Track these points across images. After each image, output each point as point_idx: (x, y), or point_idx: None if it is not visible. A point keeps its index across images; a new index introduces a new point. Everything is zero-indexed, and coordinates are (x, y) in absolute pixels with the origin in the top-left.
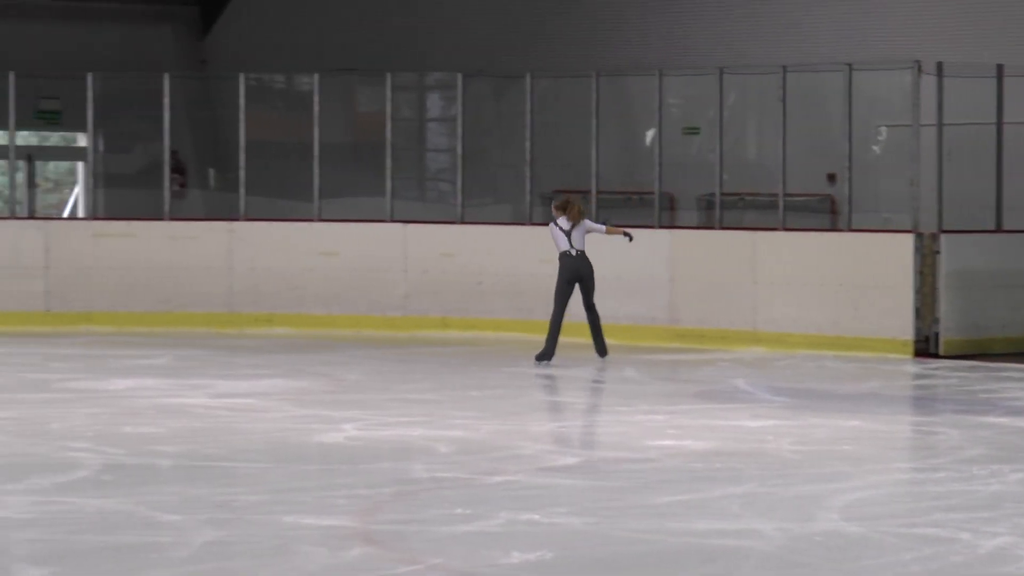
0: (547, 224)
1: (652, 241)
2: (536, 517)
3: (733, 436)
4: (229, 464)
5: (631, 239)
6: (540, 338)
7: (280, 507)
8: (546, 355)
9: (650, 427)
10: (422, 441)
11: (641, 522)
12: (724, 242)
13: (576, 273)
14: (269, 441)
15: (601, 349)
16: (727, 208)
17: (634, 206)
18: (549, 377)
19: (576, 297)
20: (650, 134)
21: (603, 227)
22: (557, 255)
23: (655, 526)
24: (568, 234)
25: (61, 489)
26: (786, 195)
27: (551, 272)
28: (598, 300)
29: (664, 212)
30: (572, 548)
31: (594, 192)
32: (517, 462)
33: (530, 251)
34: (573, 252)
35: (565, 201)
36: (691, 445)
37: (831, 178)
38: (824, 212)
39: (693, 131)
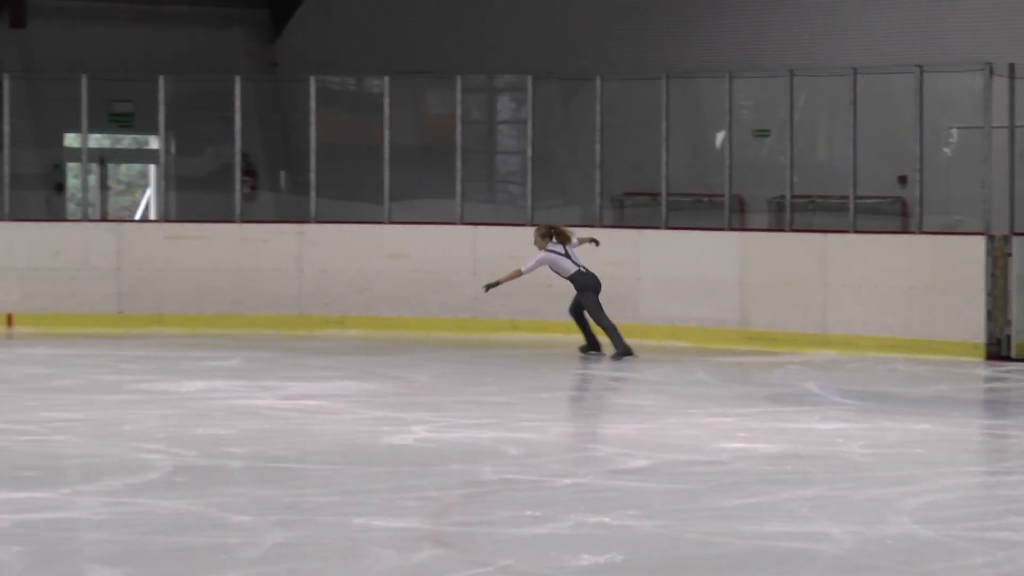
0: (614, 226)
1: (722, 244)
2: (606, 520)
3: (803, 439)
4: (299, 466)
5: (598, 244)
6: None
7: (350, 509)
8: (625, 351)
9: (720, 430)
10: (491, 443)
11: (711, 525)
12: (795, 244)
13: (595, 286)
14: (339, 443)
15: (596, 343)
16: (798, 210)
17: (704, 209)
18: (619, 379)
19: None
20: (720, 136)
21: (576, 240)
22: (567, 278)
23: (725, 529)
24: (568, 255)
25: (133, 490)
26: (857, 197)
27: (622, 274)
28: (667, 302)
29: (734, 215)
30: (641, 551)
31: (664, 194)
32: (587, 464)
33: (600, 253)
34: (583, 269)
35: (548, 228)
36: (761, 448)
37: (902, 180)
38: (895, 214)
39: (763, 133)
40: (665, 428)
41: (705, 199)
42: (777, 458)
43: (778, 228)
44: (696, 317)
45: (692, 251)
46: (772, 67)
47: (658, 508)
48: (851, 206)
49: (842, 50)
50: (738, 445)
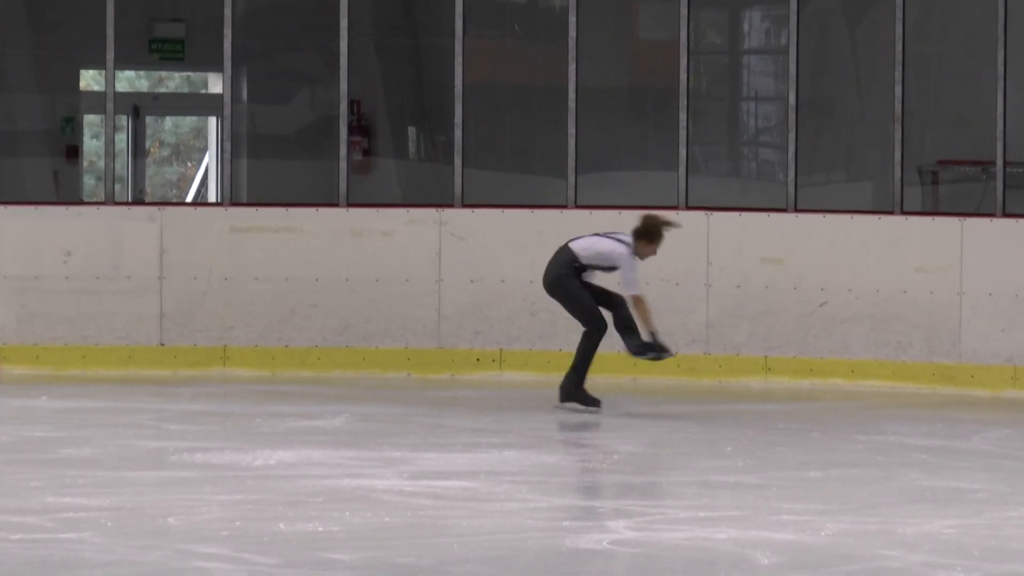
0: (924, 214)
1: None
2: None
3: None
4: None
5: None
6: (916, 388)
7: None
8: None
9: None
10: (732, 547)
11: None
12: None
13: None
14: (498, 546)
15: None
16: None
17: None
18: (928, 450)
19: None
20: None
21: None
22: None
23: None
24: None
25: None
26: None
27: (935, 287)
28: (1005, 330)
29: None
30: None
31: (999, 164)
32: None
33: (902, 254)
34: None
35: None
36: None
37: None
38: None
39: None
40: (1000, 525)
41: None
42: None
43: None
44: None
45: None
46: None
47: None
48: None
49: None
50: None
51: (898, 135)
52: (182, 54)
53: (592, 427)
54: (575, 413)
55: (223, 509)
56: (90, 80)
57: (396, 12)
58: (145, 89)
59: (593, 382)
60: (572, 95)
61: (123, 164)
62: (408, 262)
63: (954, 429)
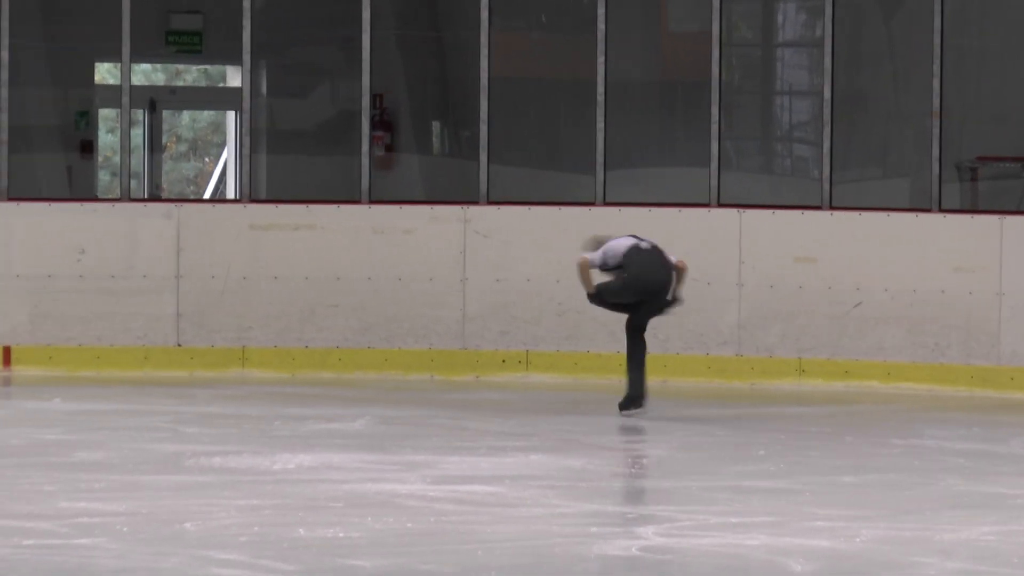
0: (962, 211)
1: None
2: None
3: None
4: None
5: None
6: (953, 391)
7: None
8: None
9: None
10: (765, 554)
11: None
12: None
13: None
14: (523, 553)
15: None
16: None
17: None
18: (965, 454)
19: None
20: None
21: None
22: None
23: None
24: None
25: None
26: None
27: (974, 287)
28: None
29: None
30: None
31: None
32: None
33: (940, 253)
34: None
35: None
36: None
37: None
38: None
39: None
40: None
41: None
42: None
43: None
44: None
45: None
46: None
47: None
48: None
49: None
50: None
51: (936, 130)
52: (199, 47)
53: (620, 431)
54: (603, 413)
55: (241, 514)
56: (105, 73)
57: (419, 4)
58: (162, 83)
59: (611, 384)
60: (601, 89)
61: (139, 160)
62: (431, 260)
63: (993, 433)
